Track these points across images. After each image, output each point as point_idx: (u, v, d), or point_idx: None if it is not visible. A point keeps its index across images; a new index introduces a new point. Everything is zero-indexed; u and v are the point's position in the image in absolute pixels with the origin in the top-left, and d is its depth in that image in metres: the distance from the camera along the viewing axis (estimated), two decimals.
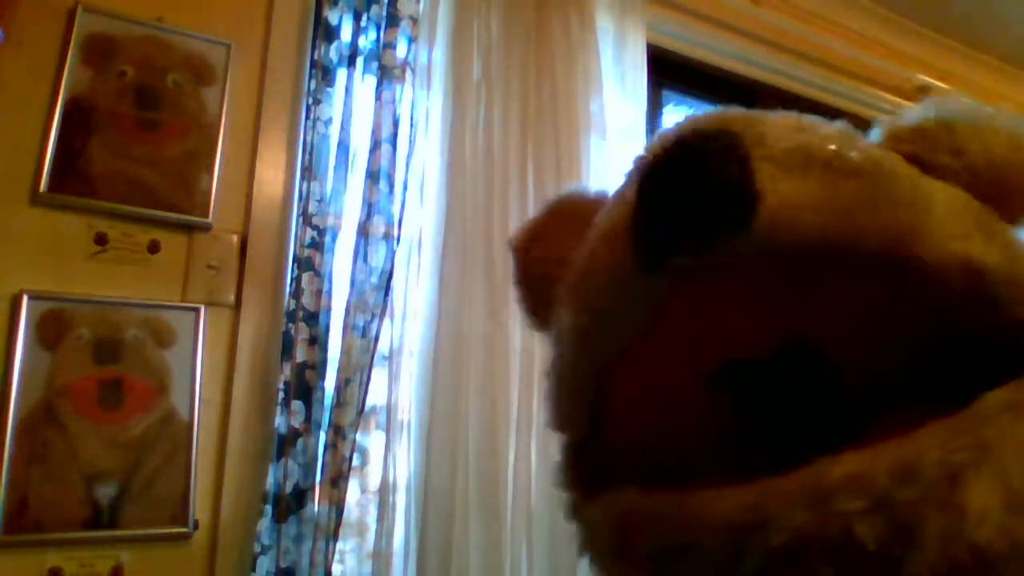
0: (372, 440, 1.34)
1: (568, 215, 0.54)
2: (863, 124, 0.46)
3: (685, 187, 0.34)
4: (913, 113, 0.45)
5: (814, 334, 0.38)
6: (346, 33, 1.40)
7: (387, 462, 1.27)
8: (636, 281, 0.36)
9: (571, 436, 0.46)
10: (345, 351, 1.25)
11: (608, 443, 0.43)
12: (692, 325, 0.39)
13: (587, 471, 0.45)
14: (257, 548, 1.16)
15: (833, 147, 0.36)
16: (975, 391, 0.33)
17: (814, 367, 0.38)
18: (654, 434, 0.42)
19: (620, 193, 0.43)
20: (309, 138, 1.32)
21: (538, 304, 0.54)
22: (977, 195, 0.39)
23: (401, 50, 1.41)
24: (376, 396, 1.30)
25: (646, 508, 0.37)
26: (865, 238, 0.33)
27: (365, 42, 1.40)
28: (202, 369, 1.21)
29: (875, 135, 0.45)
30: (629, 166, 0.48)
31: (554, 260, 0.51)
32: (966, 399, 0.33)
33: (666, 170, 0.35)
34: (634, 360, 0.40)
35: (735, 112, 0.42)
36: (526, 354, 1.38)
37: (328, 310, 1.28)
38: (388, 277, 1.31)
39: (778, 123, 0.39)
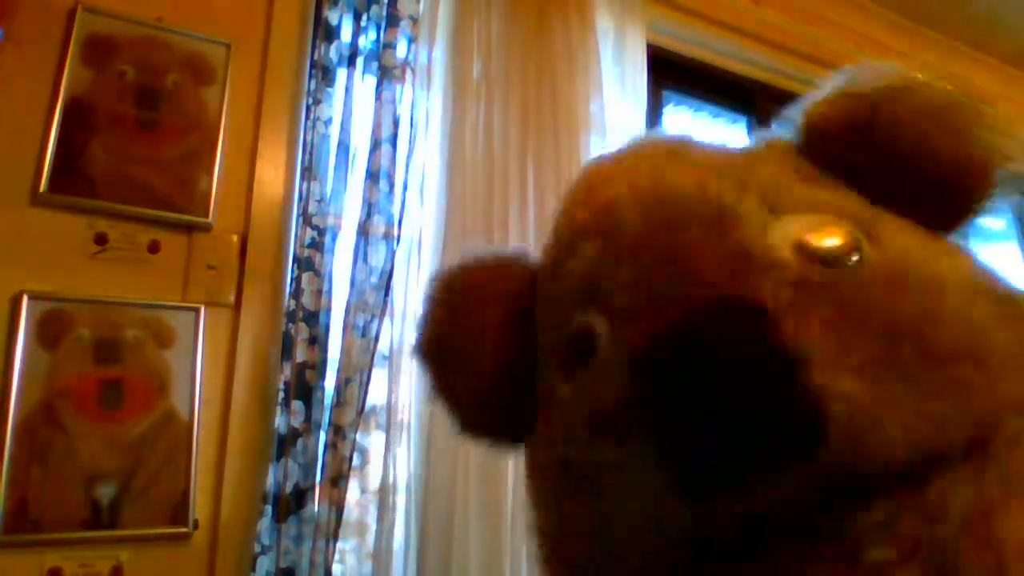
0: (372, 440, 1.34)
1: (473, 291, 0.47)
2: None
3: (728, 405, 0.27)
4: (826, 96, 0.41)
5: None
6: (346, 33, 1.40)
7: (387, 462, 1.27)
8: (685, 522, 0.29)
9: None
10: (345, 351, 1.25)
11: None
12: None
13: None
14: (257, 548, 1.16)
15: (841, 266, 0.31)
16: None
17: None
18: None
19: (560, 274, 0.37)
20: (309, 138, 1.32)
21: (478, 415, 0.47)
22: (913, 198, 0.37)
23: (401, 50, 1.41)
24: (376, 396, 1.30)
25: None
26: (950, 444, 0.28)
27: (365, 42, 1.40)
28: (202, 369, 1.21)
29: (791, 131, 0.42)
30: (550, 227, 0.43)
31: (484, 352, 0.45)
32: None
33: (686, 369, 0.28)
34: None
35: (676, 184, 0.37)
36: None
37: (328, 310, 1.28)
38: (388, 277, 1.31)
39: (741, 201, 0.34)
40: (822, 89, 0.42)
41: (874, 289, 0.32)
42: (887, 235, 0.36)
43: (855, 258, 0.33)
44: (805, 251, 0.33)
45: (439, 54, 1.49)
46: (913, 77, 0.42)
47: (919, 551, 0.27)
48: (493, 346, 0.44)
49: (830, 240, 0.33)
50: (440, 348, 0.48)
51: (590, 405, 0.34)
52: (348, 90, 1.36)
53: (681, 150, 0.42)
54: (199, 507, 1.17)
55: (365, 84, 1.39)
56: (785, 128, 0.43)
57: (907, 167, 0.38)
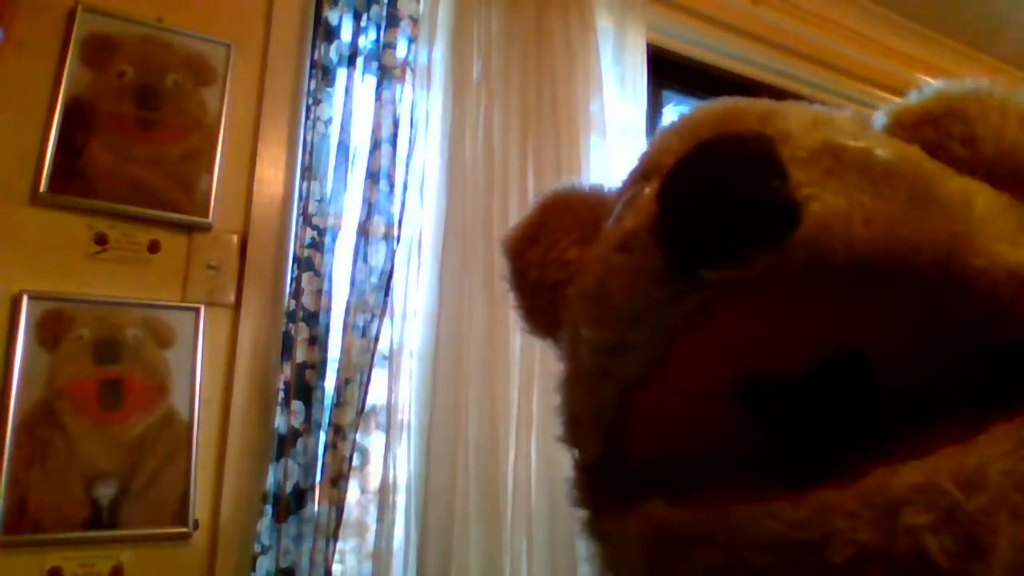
0: (372, 440, 1.34)
1: (562, 213, 0.52)
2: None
3: (720, 193, 0.32)
4: (917, 97, 0.43)
5: (858, 343, 0.36)
6: (346, 33, 1.40)
7: (387, 462, 1.27)
8: (665, 293, 0.34)
9: (587, 453, 0.44)
10: (345, 351, 1.25)
11: (629, 459, 0.41)
12: (722, 337, 0.37)
13: (605, 487, 0.42)
14: (257, 548, 1.16)
15: (862, 144, 0.34)
16: (1017, 397, 0.32)
17: (854, 377, 0.36)
18: (679, 449, 0.39)
19: (630, 195, 0.40)
20: (309, 138, 1.32)
21: (536, 309, 0.52)
22: (994, 184, 0.37)
23: (401, 50, 1.41)
24: (376, 396, 1.30)
25: (685, 525, 0.35)
26: (917, 250, 0.31)
27: (365, 42, 1.40)
28: (202, 369, 1.21)
29: (879, 121, 0.43)
30: (632, 163, 0.46)
31: (552, 263, 0.49)
32: (1007, 405, 0.31)
33: (694, 175, 0.33)
34: (658, 375, 0.37)
35: (745, 105, 0.40)
36: (526, 354, 1.38)
37: (328, 310, 1.28)
38: (388, 277, 1.31)
39: (795, 117, 0.37)
40: (910, 96, 0.44)
41: (882, 156, 0.34)
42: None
43: (879, 152, 0.35)
44: (832, 145, 0.35)
45: (439, 54, 1.49)
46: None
47: (955, 519, 0.28)
48: (560, 255, 0.49)
49: (855, 142, 0.35)
50: (520, 245, 0.53)
51: (618, 236, 0.38)
52: (348, 90, 1.36)
53: (773, 107, 0.45)
54: (199, 507, 1.17)
55: (365, 84, 1.39)
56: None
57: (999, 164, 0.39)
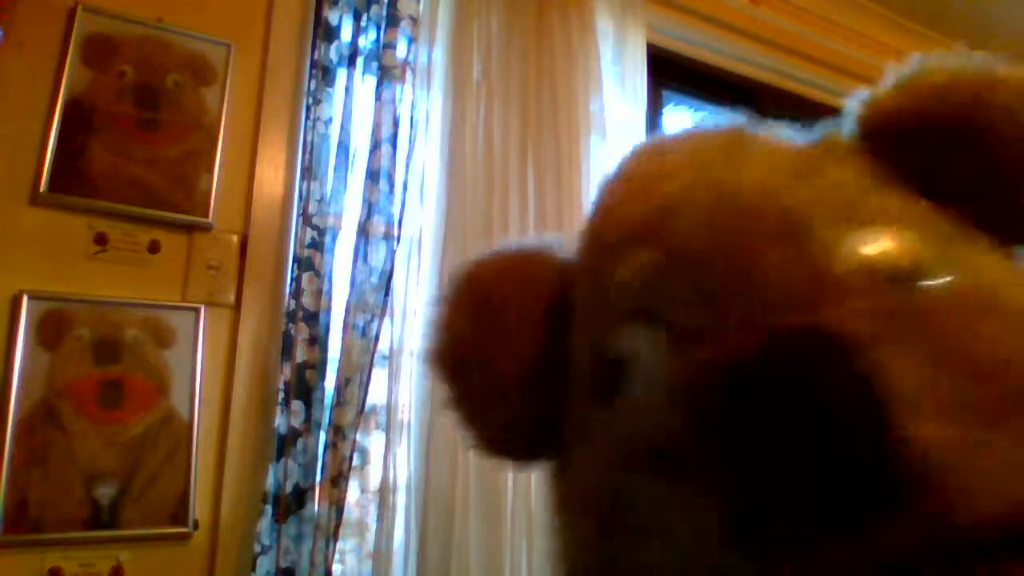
0: (372, 440, 1.34)
1: (497, 288, 0.42)
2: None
3: (820, 444, 0.23)
4: (896, 84, 0.37)
5: None
6: (346, 33, 1.40)
7: (387, 462, 1.27)
8: (725, 563, 0.26)
9: None
10: (345, 351, 1.25)
11: None
12: None
13: None
14: (257, 548, 1.16)
15: (924, 297, 0.28)
16: None
17: None
18: None
19: (621, 276, 0.33)
20: (309, 138, 1.32)
21: (504, 424, 0.41)
22: (1010, 210, 0.33)
23: (401, 50, 1.41)
24: (376, 396, 1.30)
25: None
26: None
27: (365, 42, 1.40)
28: (202, 369, 1.21)
29: (850, 125, 0.38)
30: (586, 216, 0.38)
31: (515, 356, 0.40)
32: None
33: (764, 406, 0.24)
34: None
35: (736, 184, 0.33)
36: None
37: (328, 310, 1.28)
38: (388, 277, 1.31)
39: (816, 212, 0.31)
40: (889, 78, 0.38)
41: (961, 317, 0.28)
42: (972, 255, 0.32)
43: (939, 281, 0.30)
44: (885, 273, 0.30)
45: (439, 54, 1.49)
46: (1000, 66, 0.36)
47: None
48: (520, 354, 0.39)
49: (913, 260, 0.30)
50: (459, 357, 0.41)
51: (636, 436, 0.30)
52: (348, 90, 1.36)
53: (738, 143, 0.38)
54: (199, 507, 1.17)
55: (365, 84, 1.39)
56: (845, 123, 0.39)
57: (1008, 174, 0.34)
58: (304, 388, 1.23)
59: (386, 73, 1.38)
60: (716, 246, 0.31)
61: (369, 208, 1.31)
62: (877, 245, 0.30)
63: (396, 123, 1.37)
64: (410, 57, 1.42)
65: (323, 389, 1.25)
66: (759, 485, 0.24)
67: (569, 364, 0.38)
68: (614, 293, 0.35)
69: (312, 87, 1.35)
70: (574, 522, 0.36)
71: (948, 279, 0.30)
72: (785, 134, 0.40)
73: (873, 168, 0.36)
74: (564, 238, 0.43)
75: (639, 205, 0.36)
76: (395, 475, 1.27)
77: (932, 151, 0.35)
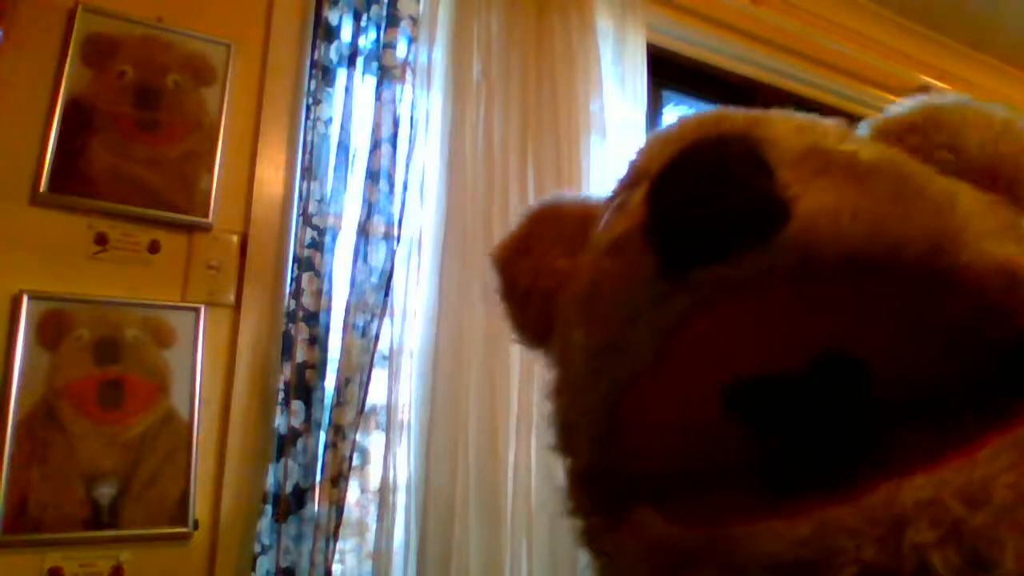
0: (372, 440, 1.34)
1: (550, 223, 0.52)
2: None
3: (709, 194, 0.32)
4: (898, 109, 0.44)
5: (850, 345, 0.35)
6: (346, 33, 1.40)
7: (387, 462, 1.27)
8: (657, 293, 0.34)
9: (579, 460, 0.43)
10: (345, 351, 1.25)
11: (621, 465, 0.40)
12: (712, 341, 0.36)
13: (598, 495, 0.42)
14: (257, 548, 1.16)
15: (847, 147, 0.35)
16: (1010, 400, 0.32)
17: (846, 380, 0.35)
18: (671, 455, 0.39)
19: (619, 201, 0.41)
20: (309, 138, 1.32)
21: (527, 319, 0.52)
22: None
23: (401, 50, 1.41)
24: (376, 396, 1.30)
25: (683, 543, 0.34)
26: (904, 244, 0.31)
27: (365, 42, 1.40)
28: (202, 369, 1.21)
29: (862, 132, 0.43)
30: (622, 170, 0.46)
31: (542, 272, 0.49)
32: (1006, 408, 0.31)
33: (682, 176, 0.34)
34: (650, 378, 0.37)
35: (732, 112, 0.40)
36: (526, 354, 1.38)
37: (328, 310, 1.28)
38: (388, 277, 1.31)
39: (781, 123, 0.38)
40: (890, 109, 0.45)
41: (867, 157, 0.35)
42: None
43: (864, 153, 0.36)
44: (816, 148, 0.36)
45: (439, 54, 1.49)
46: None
47: (960, 535, 0.28)
48: (552, 263, 0.49)
49: (841, 145, 0.36)
50: (510, 263, 0.53)
51: (608, 240, 0.38)
52: (348, 90, 1.36)
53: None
54: (199, 507, 1.17)
55: (365, 84, 1.39)
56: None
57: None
58: (304, 388, 1.23)
59: (386, 73, 1.38)
60: (696, 129, 0.39)
61: (369, 208, 1.31)
62: (816, 135, 0.37)
63: (396, 123, 1.37)
64: (410, 57, 1.42)
65: (323, 389, 1.25)
66: (672, 220, 0.33)
67: None
68: (621, 181, 0.44)
69: (312, 87, 1.35)
70: (557, 335, 0.44)
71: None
72: None
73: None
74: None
75: (663, 152, 0.43)
76: (395, 475, 1.27)
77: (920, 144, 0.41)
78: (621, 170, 0.47)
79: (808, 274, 0.33)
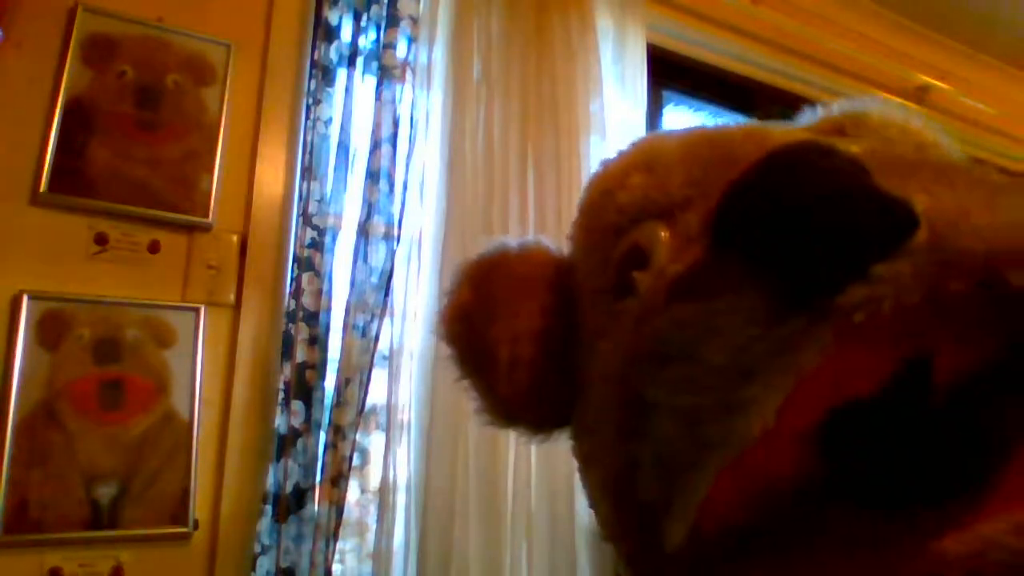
0: (372, 440, 1.34)
1: (505, 281, 0.46)
2: None
3: (827, 205, 0.27)
4: (823, 113, 0.45)
5: (937, 352, 0.30)
6: (346, 33, 1.40)
7: (387, 462, 1.27)
8: (787, 332, 0.28)
9: (655, 543, 0.36)
10: (345, 351, 1.25)
11: (700, 540, 0.34)
12: (823, 375, 0.30)
13: (662, 570, 0.36)
14: (257, 548, 1.16)
15: (903, 149, 0.35)
16: None
17: (923, 390, 0.30)
18: (751, 513, 0.32)
19: (642, 239, 0.36)
20: (309, 138, 1.32)
21: (511, 397, 0.45)
22: None
23: (401, 50, 1.41)
24: (376, 396, 1.30)
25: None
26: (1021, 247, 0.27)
27: (365, 42, 1.40)
28: (202, 369, 1.21)
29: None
30: (588, 218, 0.43)
31: (523, 337, 0.43)
32: None
33: (787, 187, 0.29)
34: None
35: (719, 130, 0.40)
36: None
37: (328, 310, 1.28)
38: (388, 277, 1.31)
39: (782, 131, 0.38)
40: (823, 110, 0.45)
41: (908, 151, 0.35)
42: None
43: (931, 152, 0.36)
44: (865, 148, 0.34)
45: (439, 54, 1.49)
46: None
47: None
48: (533, 334, 0.44)
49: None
50: (472, 331, 0.46)
51: (665, 288, 0.33)
52: (348, 90, 1.36)
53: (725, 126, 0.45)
54: (199, 507, 1.17)
55: (365, 84, 1.39)
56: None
57: None
58: (304, 388, 1.23)
59: (386, 73, 1.38)
60: (694, 151, 0.37)
61: (369, 208, 1.31)
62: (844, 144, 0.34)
63: (396, 123, 1.37)
64: (410, 57, 1.42)
65: (323, 389, 1.25)
66: (785, 260, 0.28)
67: (580, 315, 0.42)
68: (613, 213, 0.40)
69: (312, 87, 1.35)
70: (595, 445, 0.39)
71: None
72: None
73: None
74: (558, 242, 0.48)
75: (630, 159, 0.41)
76: (395, 475, 1.27)
77: None
78: (580, 212, 0.44)
79: (941, 280, 0.28)
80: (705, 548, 0.33)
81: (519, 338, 0.43)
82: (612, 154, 0.45)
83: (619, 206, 0.39)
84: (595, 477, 0.40)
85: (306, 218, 1.28)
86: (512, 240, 0.48)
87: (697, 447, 0.32)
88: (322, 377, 1.25)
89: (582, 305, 0.43)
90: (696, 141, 0.38)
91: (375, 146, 1.34)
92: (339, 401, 1.23)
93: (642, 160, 0.40)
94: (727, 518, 0.33)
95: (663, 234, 0.35)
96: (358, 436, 1.24)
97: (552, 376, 0.43)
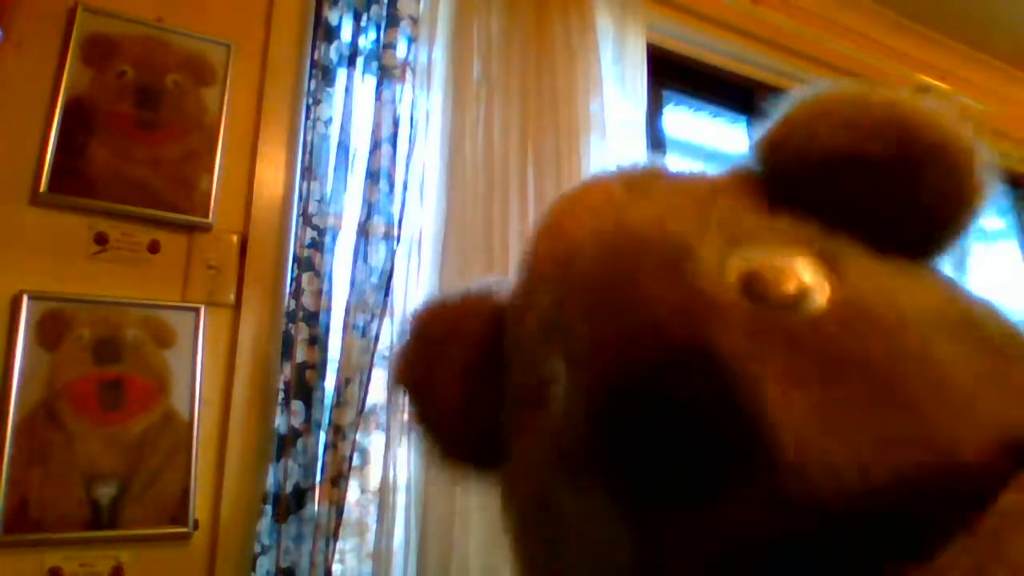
0: (372, 440, 1.34)
1: (449, 329, 0.49)
2: None
3: (676, 428, 0.28)
4: (778, 119, 0.42)
5: None
6: (346, 33, 1.40)
7: (387, 462, 1.27)
8: (627, 539, 0.30)
9: None
10: (345, 351, 1.25)
11: None
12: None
13: None
14: (257, 548, 1.16)
15: (799, 314, 0.31)
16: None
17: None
18: None
19: (534, 351, 0.38)
20: (309, 138, 1.32)
21: (464, 443, 0.48)
22: (881, 224, 0.36)
23: (401, 50, 1.41)
24: (376, 396, 1.30)
25: None
26: (909, 473, 0.27)
27: (365, 42, 1.40)
28: (202, 369, 1.21)
29: (752, 163, 0.42)
30: (520, 268, 0.45)
31: (470, 387, 0.46)
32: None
33: (637, 404, 0.29)
34: None
35: (632, 229, 0.37)
36: None
37: (328, 310, 1.28)
38: (388, 277, 1.31)
39: (700, 242, 0.34)
40: (774, 113, 0.43)
41: (830, 332, 0.31)
42: (850, 268, 0.35)
43: (811, 301, 0.33)
44: (760, 294, 0.33)
45: (439, 54, 1.49)
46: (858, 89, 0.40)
47: None
48: (460, 381, 0.47)
49: (786, 284, 0.33)
50: (414, 381, 0.50)
51: (553, 446, 0.35)
52: (348, 90, 1.36)
53: (645, 184, 0.43)
54: (199, 507, 1.17)
55: (365, 84, 1.39)
56: (748, 155, 0.43)
57: (867, 195, 0.37)
58: (304, 388, 1.23)
59: (386, 73, 1.38)
60: (603, 277, 0.35)
61: (369, 208, 1.31)
62: (755, 263, 0.33)
63: (396, 123, 1.37)
64: (410, 57, 1.42)
65: (323, 389, 1.25)
66: (639, 469, 0.29)
67: (509, 384, 0.44)
68: (528, 327, 0.41)
69: (312, 87, 1.35)
70: (513, 519, 0.42)
71: (818, 296, 0.33)
72: (699, 170, 0.45)
73: (765, 193, 0.39)
74: (508, 278, 0.50)
75: (551, 249, 0.42)
76: (395, 475, 1.27)
77: (821, 178, 0.38)
78: (519, 268, 0.45)
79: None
80: None
81: (448, 382, 0.46)
82: (547, 210, 0.46)
83: (532, 322, 0.41)
84: (511, 533, 0.42)
85: (306, 218, 1.28)
86: (468, 287, 0.51)
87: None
88: (322, 377, 1.25)
89: (510, 375, 0.44)
90: (611, 249, 0.37)
91: (375, 146, 1.34)
92: (339, 401, 1.23)
93: (558, 267, 0.40)
94: None
95: (561, 377, 0.35)
96: (358, 436, 1.24)
97: (480, 423, 0.46)
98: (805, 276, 0.33)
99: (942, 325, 0.33)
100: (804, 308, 0.32)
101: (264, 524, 1.17)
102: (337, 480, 1.20)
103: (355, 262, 1.30)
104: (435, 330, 0.50)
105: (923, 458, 0.28)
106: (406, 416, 0.53)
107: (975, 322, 0.35)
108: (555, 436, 0.35)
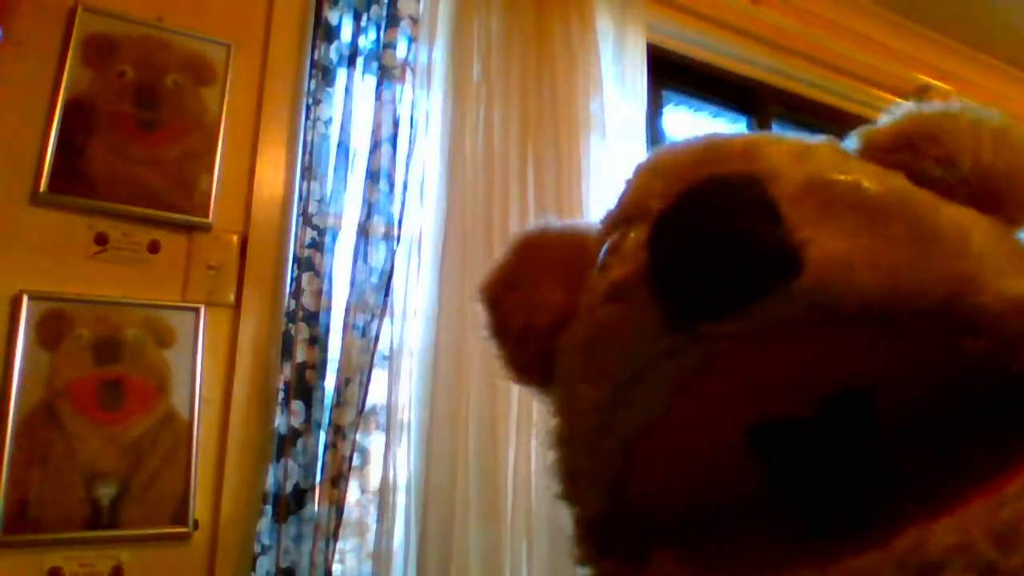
0: (372, 440, 1.34)
1: (539, 253, 0.51)
2: (863, 124, 0.45)
3: (717, 243, 0.31)
4: (888, 120, 0.43)
5: (865, 383, 0.34)
6: (346, 33, 1.40)
7: (387, 462, 1.27)
8: (666, 347, 0.33)
9: (588, 509, 0.42)
10: (345, 351, 1.25)
11: (633, 512, 0.39)
12: (726, 385, 0.36)
13: (611, 543, 0.41)
14: (257, 548, 1.16)
15: (850, 177, 0.34)
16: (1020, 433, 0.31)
17: (863, 418, 0.34)
18: (685, 501, 0.38)
19: (614, 240, 0.39)
20: (309, 138, 1.32)
21: (526, 358, 0.50)
22: (971, 204, 0.37)
23: (401, 50, 1.41)
24: (376, 396, 1.30)
25: None
26: (923, 293, 0.31)
27: (365, 42, 1.40)
28: (202, 369, 1.21)
29: (852, 144, 0.43)
30: (611, 202, 0.45)
31: (537, 308, 0.48)
32: (1017, 445, 0.31)
33: (686, 222, 0.33)
34: (663, 426, 0.36)
35: (724, 142, 0.40)
36: None
37: (328, 310, 1.28)
38: (388, 277, 1.31)
39: (775, 150, 0.37)
40: (881, 119, 0.44)
41: (872, 190, 0.34)
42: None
43: (868, 185, 0.35)
44: (818, 181, 0.35)
45: (439, 54, 1.49)
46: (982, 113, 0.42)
47: None
48: (546, 298, 0.48)
49: (842, 176, 0.35)
50: (504, 294, 0.51)
51: (608, 286, 0.37)
52: (348, 90, 1.36)
53: (749, 135, 0.45)
54: (199, 507, 1.17)
55: (365, 84, 1.39)
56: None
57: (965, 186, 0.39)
58: (304, 388, 1.23)
59: (386, 73, 1.38)
60: (688, 164, 0.39)
61: (369, 208, 1.31)
62: (815, 164, 0.36)
63: (396, 123, 1.37)
64: (410, 57, 1.42)
65: (323, 389, 1.25)
66: (677, 274, 0.32)
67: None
68: (615, 213, 0.43)
69: (312, 87, 1.35)
70: (559, 379, 0.43)
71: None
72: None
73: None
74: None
75: (648, 183, 0.43)
76: (395, 475, 1.27)
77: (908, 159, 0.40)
78: (610, 203, 0.46)
79: (822, 322, 0.32)
80: (639, 531, 0.39)
81: (535, 308, 0.47)
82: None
83: (623, 203, 0.43)
84: (558, 450, 0.44)
85: (306, 218, 1.28)
86: (559, 221, 0.54)
87: (601, 430, 0.38)
88: (322, 377, 1.25)
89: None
90: (694, 149, 0.40)
91: (375, 146, 1.34)
92: (339, 401, 1.23)
93: (652, 162, 0.43)
94: (653, 496, 0.39)
95: (632, 235, 0.38)
96: (358, 436, 1.24)
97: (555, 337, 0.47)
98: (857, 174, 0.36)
99: (984, 224, 0.35)
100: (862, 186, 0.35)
101: (264, 524, 1.17)
102: (337, 480, 1.20)
103: (355, 262, 1.30)
104: (532, 256, 0.51)
105: (941, 288, 0.31)
106: (486, 327, 0.53)
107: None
108: (610, 276, 0.37)
